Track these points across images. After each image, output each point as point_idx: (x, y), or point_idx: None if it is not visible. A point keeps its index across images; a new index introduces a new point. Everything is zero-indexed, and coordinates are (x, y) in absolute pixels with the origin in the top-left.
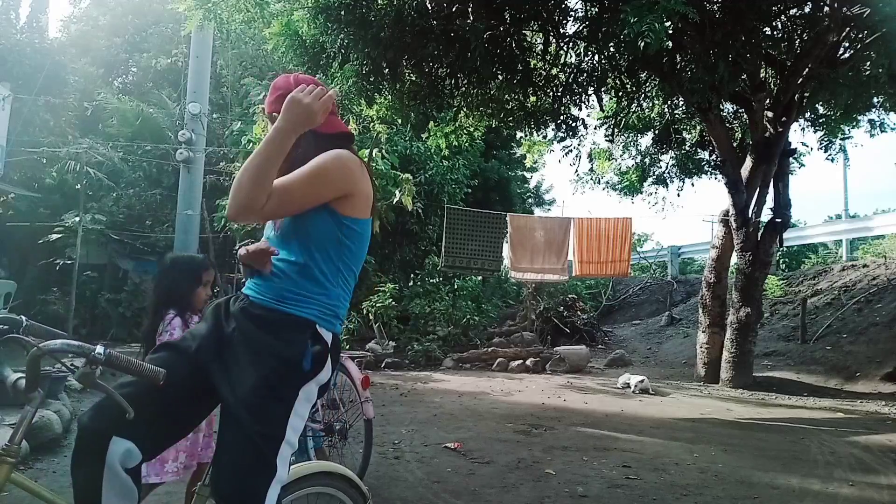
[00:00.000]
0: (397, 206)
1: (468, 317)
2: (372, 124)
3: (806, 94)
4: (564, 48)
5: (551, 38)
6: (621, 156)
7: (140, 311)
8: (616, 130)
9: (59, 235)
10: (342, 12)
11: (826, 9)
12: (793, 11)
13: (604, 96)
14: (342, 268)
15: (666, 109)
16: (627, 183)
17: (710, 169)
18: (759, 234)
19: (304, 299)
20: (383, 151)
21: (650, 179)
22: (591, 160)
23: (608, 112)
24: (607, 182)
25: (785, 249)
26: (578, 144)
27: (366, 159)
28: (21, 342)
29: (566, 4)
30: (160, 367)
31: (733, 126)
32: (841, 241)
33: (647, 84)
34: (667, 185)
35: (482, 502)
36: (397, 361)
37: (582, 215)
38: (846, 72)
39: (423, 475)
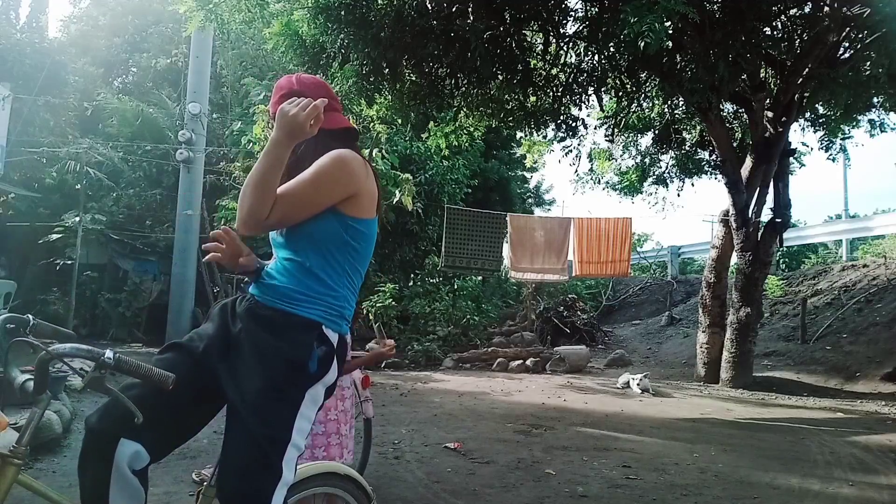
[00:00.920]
0: (397, 206)
1: (468, 317)
2: (372, 124)
3: (806, 94)
4: (564, 48)
5: (551, 38)
6: (621, 156)
7: (140, 311)
8: (616, 130)
9: (59, 235)
10: (342, 12)
11: (826, 9)
12: (793, 11)
13: (604, 96)
14: (348, 269)
15: (666, 109)
16: (627, 183)
17: (710, 169)
18: (759, 234)
19: (310, 300)
20: (383, 151)
21: (650, 179)
22: (591, 160)
23: (608, 112)
24: (607, 182)
25: (785, 249)
26: (578, 144)
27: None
28: (29, 344)
29: (566, 4)
30: (168, 370)
31: (733, 126)
32: (841, 241)
33: (647, 84)
34: (667, 185)
35: (482, 502)
36: (397, 361)
37: (582, 215)
38: (846, 72)
39: (423, 475)
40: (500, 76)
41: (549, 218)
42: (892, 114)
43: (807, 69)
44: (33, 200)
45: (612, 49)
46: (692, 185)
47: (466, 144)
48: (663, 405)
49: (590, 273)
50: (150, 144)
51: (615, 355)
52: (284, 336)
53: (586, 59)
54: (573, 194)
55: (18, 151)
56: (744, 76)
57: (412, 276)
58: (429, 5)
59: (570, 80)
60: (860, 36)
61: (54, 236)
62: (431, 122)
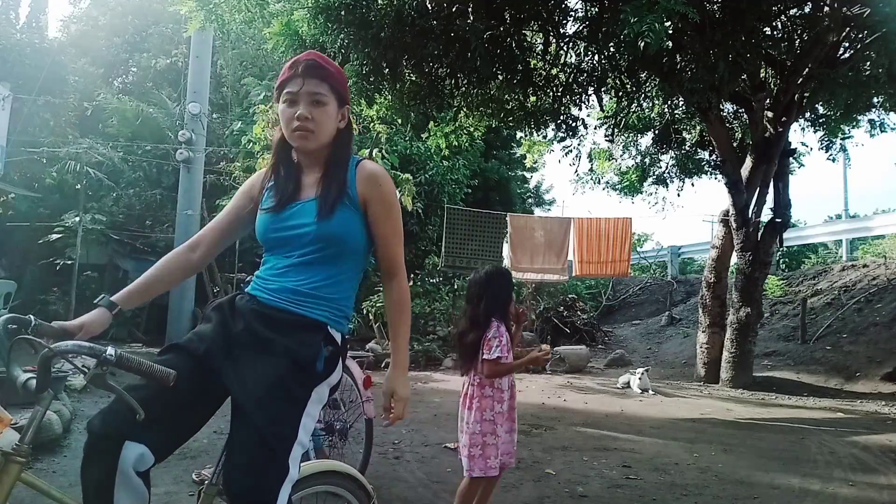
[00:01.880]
0: None
1: None
2: (372, 124)
3: (806, 94)
4: (564, 48)
5: (551, 38)
6: (621, 156)
7: (139, 311)
8: (616, 130)
9: (59, 235)
10: (342, 12)
11: (826, 9)
12: (793, 11)
13: (604, 96)
14: (358, 273)
15: (666, 109)
16: (627, 183)
17: (710, 169)
18: (759, 234)
19: (317, 301)
20: (383, 151)
21: (650, 179)
22: (591, 160)
23: (608, 112)
24: (607, 182)
25: (785, 249)
26: (578, 144)
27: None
28: (31, 342)
29: (566, 4)
30: (169, 369)
31: (733, 126)
32: (841, 241)
33: (647, 84)
34: (667, 185)
35: None
36: None
37: (582, 215)
38: (846, 72)
39: (423, 475)
40: (500, 76)
41: (549, 218)
42: (892, 114)
43: (807, 69)
44: (33, 200)
45: (612, 49)
46: (692, 185)
47: (466, 144)
48: (663, 405)
49: (590, 273)
50: (150, 144)
51: (615, 355)
52: (292, 336)
53: (586, 59)
54: (573, 194)
55: (18, 151)
56: (744, 76)
57: (412, 276)
58: (429, 5)
59: (570, 80)
60: (860, 36)
61: (54, 236)
62: (431, 122)
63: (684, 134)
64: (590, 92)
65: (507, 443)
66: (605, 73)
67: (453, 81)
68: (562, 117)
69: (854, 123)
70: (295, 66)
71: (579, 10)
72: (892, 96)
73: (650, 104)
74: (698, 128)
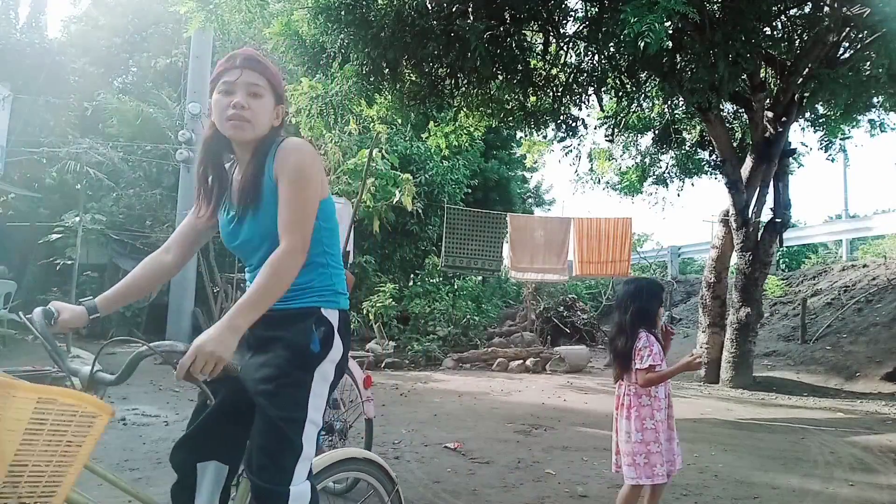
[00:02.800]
0: (397, 206)
1: (468, 317)
2: (372, 124)
3: (806, 94)
4: (564, 48)
5: (551, 38)
6: (621, 156)
7: (139, 310)
8: (616, 130)
9: (59, 235)
10: (342, 12)
11: (826, 9)
12: (793, 11)
13: (604, 96)
14: (326, 248)
15: (666, 109)
16: (627, 183)
17: (710, 169)
18: (759, 234)
19: (303, 291)
20: (383, 151)
21: (650, 179)
22: (591, 160)
23: (608, 112)
24: (607, 182)
25: (785, 249)
26: (578, 144)
27: (366, 159)
28: (129, 342)
29: (566, 4)
30: (213, 389)
31: (733, 126)
32: (841, 241)
33: (647, 84)
34: (667, 185)
35: (482, 502)
36: (397, 361)
37: (582, 215)
38: (846, 72)
39: (423, 475)
40: (500, 76)
41: (549, 218)
42: (892, 114)
43: (807, 69)
44: (33, 200)
45: (612, 49)
46: (692, 185)
47: (466, 144)
48: None
49: (590, 273)
50: (150, 144)
51: None
52: (287, 328)
53: (586, 59)
54: (573, 194)
55: (18, 151)
56: (744, 76)
57: (412, 276)
58: (429, 5)
59: (570, 80)
60: (860, 36)
61: (54, 236)
62: (431, 122)
63: (684, 134)
64: (590, 92)
65: (669, 450)
66: (605, 73)
67: (453, 81)
68: (562, 117)
69: (854, 123)
70: (232, 58)
71: (579, 10)
72: (892, 96)
73: (650, 104)
74: (698, 128)
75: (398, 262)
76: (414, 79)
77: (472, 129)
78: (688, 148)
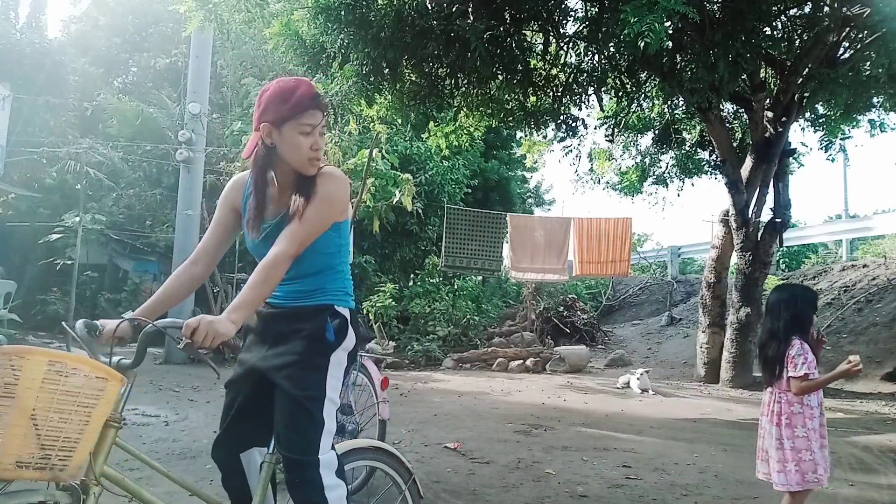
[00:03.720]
0: (397, 206)
1: (468, 317)
2: (372, 124)
3: (806, 94)
4: (564, 48)
5: (551, 38)
6: (621, 156)
7: None
8: (616, 130)
9: (59, 235)
10: (342, 12)
11: (826, 9)
12: (793, 11)
13: (604, 96)
14: (344, 258)
15: (666, 109)
16: (627, 183)
17: (710, 169)
18: (759, 234)
19: (318, 292)
20: (383, 151)
21: (650, 179)
22: (591, 160)
23: (608, 112)
24: (607, 182)
25: (785, 249)
26: (578, 144)
27: (366, 159)
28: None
29: (566, 4)
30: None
31: (733, 126)
32: (841, 241)
33: (647, 84)
34: (667, 185)
35: (482, 502)
36: (397, 361)
37: (582, 215)
38: (846, 72)
39: (423, 475)
40: (500, 76)
41: (549, 218)
42: (892, 114)
43: (807, 69)
44: (33, 200)
45: (612, 49)
46: (692, 185)
47: (466, 144)
48: (663, 405)
49: (590, 273)
50: (150, 144)
51: (615, 355)
52: (304, 322)
53: (586, 59)
54: (573, 194)
55: (18, 151)
56: (744, 76)
57: (412, 276)
58: (429, 5)
59: (570, 80)
60: (860, 36)
61: (54, 236)
62: (431, 122)
63: (684, 134)
64: (590, 92)
65: (822, 458)
66: (605, 73)
67: (453, 81)
68: (562, 117)
69: (854, 123)
70: (316, 99)
71: (579, 10)
72: (892, 96)
73: (650, 104)
74: (698, 128)
75: (398, 262)
76: (414, 79)
77: (472, 129)
78: (688, 148)
